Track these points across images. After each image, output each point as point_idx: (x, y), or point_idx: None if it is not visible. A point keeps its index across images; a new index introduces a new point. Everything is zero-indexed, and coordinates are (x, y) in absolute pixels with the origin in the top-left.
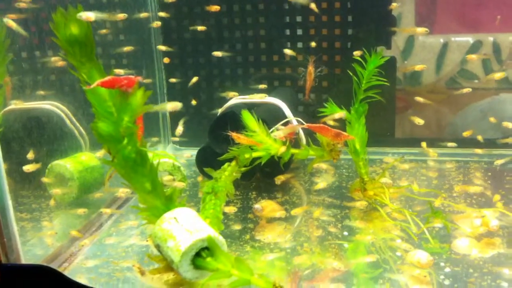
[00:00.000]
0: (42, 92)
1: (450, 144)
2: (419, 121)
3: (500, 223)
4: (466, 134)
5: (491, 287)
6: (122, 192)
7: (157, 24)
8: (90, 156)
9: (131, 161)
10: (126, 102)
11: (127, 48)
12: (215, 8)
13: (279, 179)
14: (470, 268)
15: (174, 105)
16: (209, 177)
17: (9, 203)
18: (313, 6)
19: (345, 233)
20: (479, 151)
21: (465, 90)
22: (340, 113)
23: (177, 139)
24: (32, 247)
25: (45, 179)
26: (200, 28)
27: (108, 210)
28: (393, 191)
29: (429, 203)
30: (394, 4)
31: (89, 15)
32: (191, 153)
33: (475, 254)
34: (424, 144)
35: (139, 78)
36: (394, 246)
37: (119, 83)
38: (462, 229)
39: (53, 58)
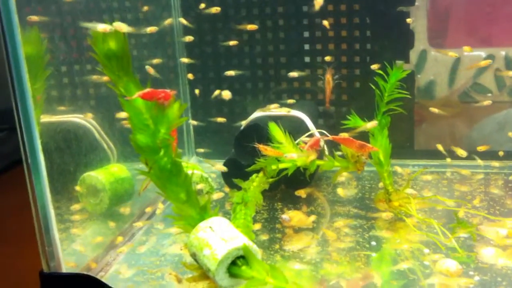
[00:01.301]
0: (70, 106)
1: (479, 161)
2: (461, 152)
3: None
4: (480, 149)
5: None
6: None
7: (189, 38)
8: (121, 167)
9: (167, 171)
10: (163, 115)
11: (156, 61)
12: (250, 27)
13: (300, 193)
14: (498, 277)
15: (226, 93)
16: (235, 188)
17: (51, 211)
18: (325, 23)
19: (373, 243)
20: (496, 164)
21: (486, 103)
22: (372, 123)
23: (201, 150)
24: (68, 257)
25: (78, 189)
26: (232, 42)
27: (140, 223)
28: (418, 201)
29: (454, 213)
30: (408, 20)
31: (122, 26)
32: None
33: (502, 263)
34: (440, 146)
35: (175, 92)
36: (422, 256)
37: (157, 96)
38: (488, 237)
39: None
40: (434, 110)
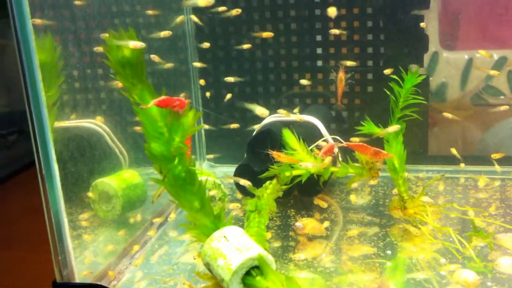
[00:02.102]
0: (82, 111)
1: (497, 167)
2: (483, 179)
3: None
4: (495, 156)
5: None
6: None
7: (206, 45)
8: (133, 173)
9: (181, 180)
10: (178, 123)
11: (168, 65)
12: (266, 34)
13: (320, 203)
14: None
15: (262, 111)
16: (248, 195)
17: (65, 220)
18: (335, 31)
19: (388, 251)
20: None
21: (502, 108)
22: (394, 127)
23: (211, 156)
24: (81, 265)
25: (90, 195)
26: (246, 46)
27: (152, 231)
28: (434, 210)
29: (471, 221)
30: (422, 24)
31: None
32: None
33: None
34: (454, 150)
35: (189, 101)
36: (438, 265)
37: (172, 104)
38: (505, 247)
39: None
40: (448, 115)
